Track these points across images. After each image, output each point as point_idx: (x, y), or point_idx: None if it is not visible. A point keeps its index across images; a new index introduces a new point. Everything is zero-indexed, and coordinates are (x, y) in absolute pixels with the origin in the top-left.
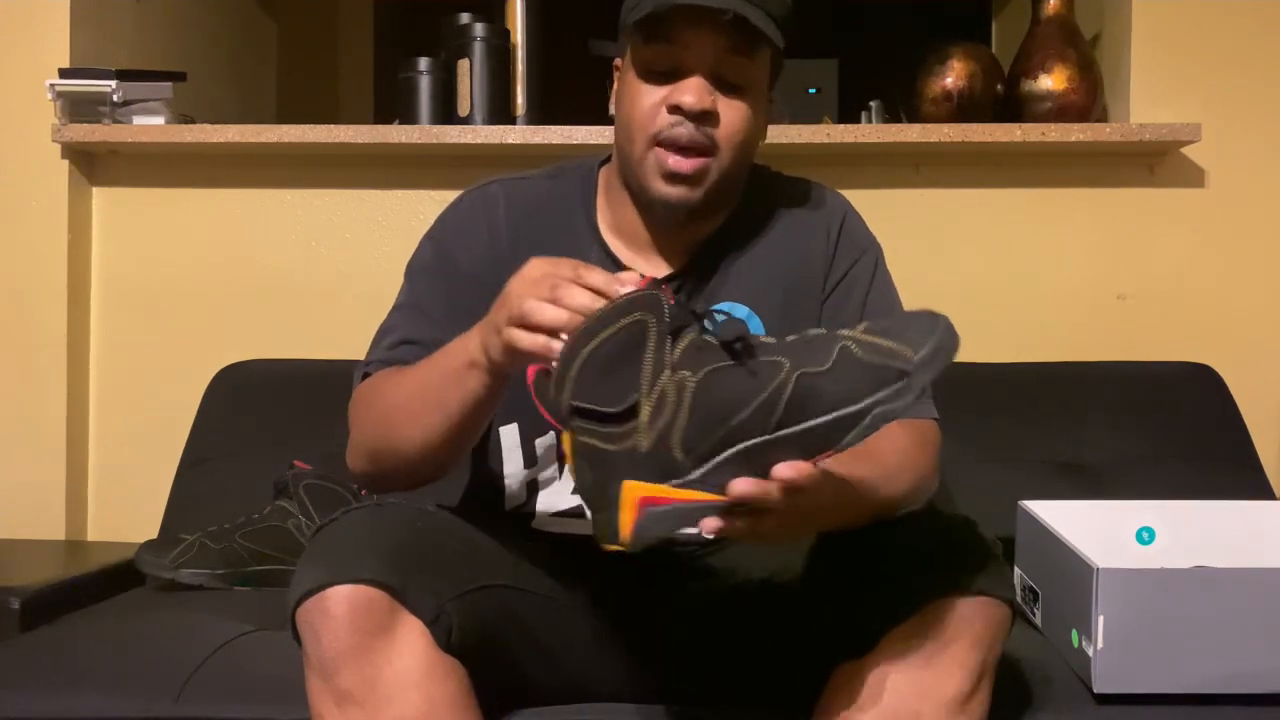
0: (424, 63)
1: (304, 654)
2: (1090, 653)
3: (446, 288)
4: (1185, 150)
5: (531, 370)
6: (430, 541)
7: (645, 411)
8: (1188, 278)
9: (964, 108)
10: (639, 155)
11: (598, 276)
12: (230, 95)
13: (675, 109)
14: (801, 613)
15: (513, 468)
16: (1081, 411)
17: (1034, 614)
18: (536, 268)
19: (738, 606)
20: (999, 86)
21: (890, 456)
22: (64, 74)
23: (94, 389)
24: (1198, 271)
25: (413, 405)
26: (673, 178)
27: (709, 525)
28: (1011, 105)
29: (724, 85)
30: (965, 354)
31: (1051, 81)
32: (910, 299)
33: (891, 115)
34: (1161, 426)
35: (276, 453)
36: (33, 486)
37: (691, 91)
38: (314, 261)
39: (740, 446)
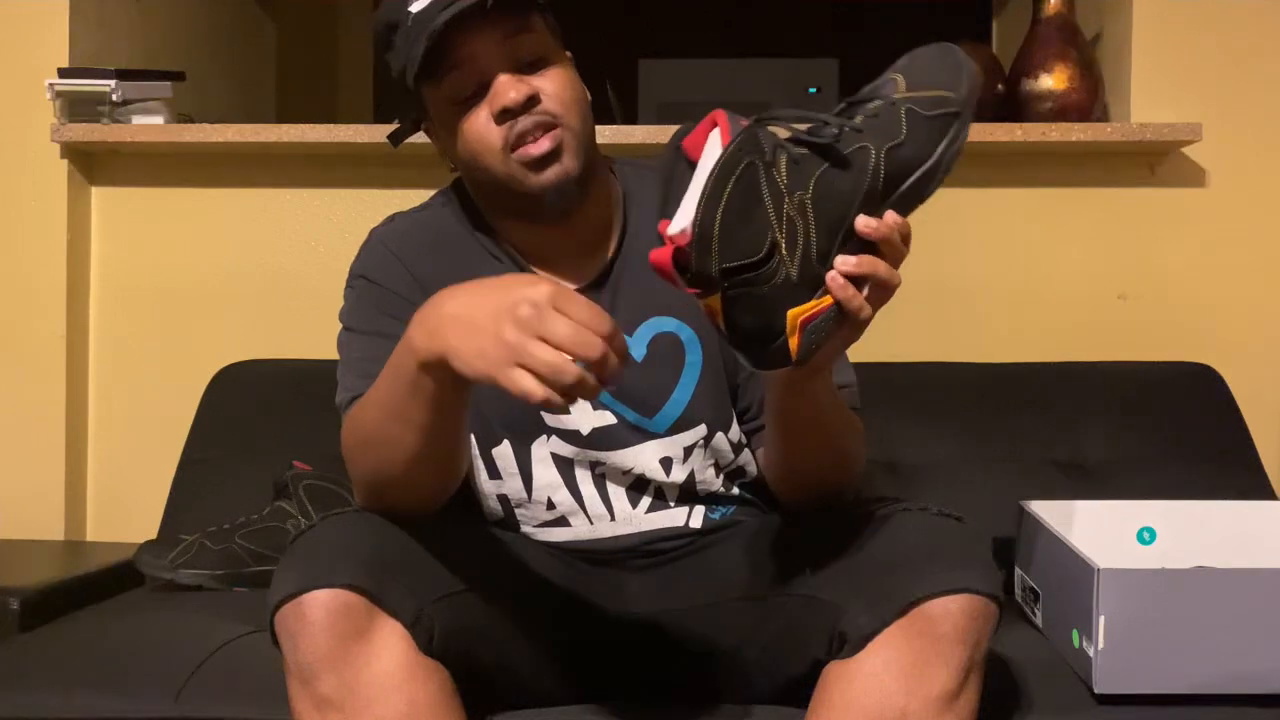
0: None
1: (284, 659)
2: (1091, 653)
3: (389, 311)
4: (1186, 150)
5: (665, 255)
6: (411, 545)
7: (784, 244)
8: (1188, 278)
9: None
10: (502, 173)
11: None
12: (230, 95)
13: (502, 113)
14: (789, 614)
15: (480, 480)
16: (1081, 411)
17: (1034, 614)
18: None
19: (726, 608)
20: (999, 86)
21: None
22: (63, 73)
23: (93, 389)
24: (1198, 271)
25: (385, 429)
26: (540, 163)
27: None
28: (1012, 105)
29: (525, 68)
30: (966, 354)
31: (1052, 81)
32: (910, 299)
33: None
34: (1161, 426)
35: (276, 453)
36: (32, 486)
37: (504, 89)
38: (314, 261)
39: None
